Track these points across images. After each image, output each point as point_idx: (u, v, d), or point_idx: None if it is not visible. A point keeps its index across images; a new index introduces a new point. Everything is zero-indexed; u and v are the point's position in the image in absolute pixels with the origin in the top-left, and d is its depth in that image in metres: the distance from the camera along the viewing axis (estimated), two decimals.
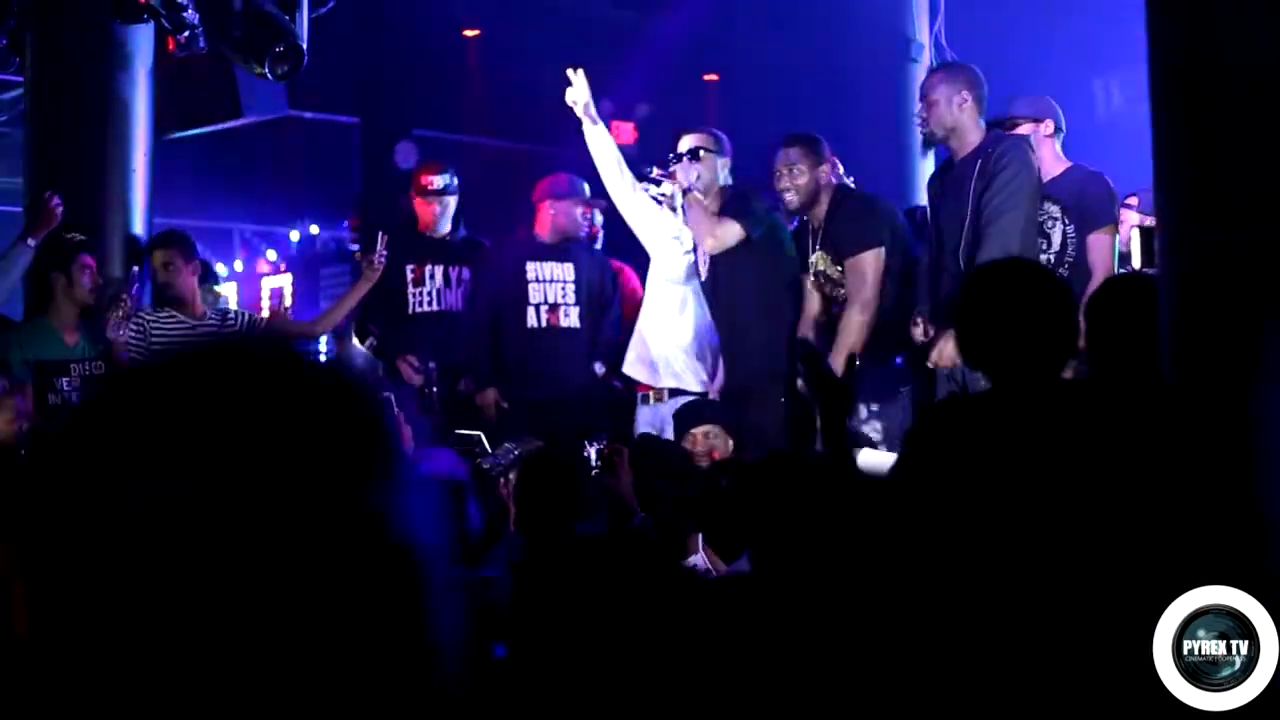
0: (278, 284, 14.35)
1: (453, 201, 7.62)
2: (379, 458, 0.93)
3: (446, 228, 7.60)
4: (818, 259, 6.54)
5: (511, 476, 5.23)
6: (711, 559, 4.49)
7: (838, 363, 5.66)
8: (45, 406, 6.61)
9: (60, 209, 6.67)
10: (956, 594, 2.63)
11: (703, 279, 6.93)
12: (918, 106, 6.13)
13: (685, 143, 6.86)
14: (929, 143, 6.18)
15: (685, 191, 6.75)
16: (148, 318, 6.82)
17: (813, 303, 6.62)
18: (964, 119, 6.01)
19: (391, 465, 0.94)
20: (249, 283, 14.47)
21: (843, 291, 6.48)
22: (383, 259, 7.16)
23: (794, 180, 6.45)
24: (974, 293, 3.47)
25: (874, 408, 6.24)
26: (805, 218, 6.62)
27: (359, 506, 0.90)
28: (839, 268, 6.47)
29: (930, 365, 5.91)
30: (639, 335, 7.06)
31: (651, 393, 7.01)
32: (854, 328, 6.30)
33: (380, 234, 7.26)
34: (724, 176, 6.88)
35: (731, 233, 6.67)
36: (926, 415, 3.95)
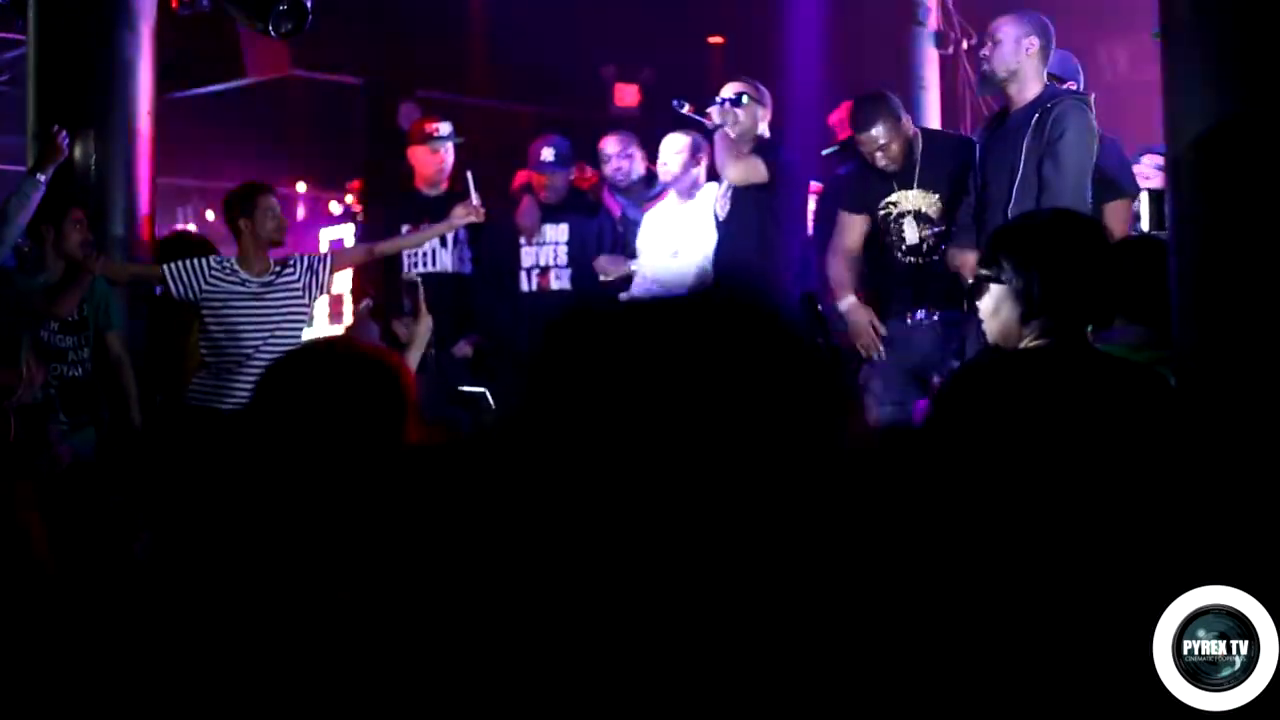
0: None
1: (453, 151, 7.57)
2: None
3: (445, 181, 7.54)
4: (914, 197, 6.33)
5: None
6: None
7: None
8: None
9: (67, 143, 6.67)
10: (958, 578, 2.62)
11: (721, 218, 6.95)
12: (985, 47, 5.94)
13: (729, 89, 6.87)
14: (987, 83, 5.96)
15: (717, 127, 6.76)
16: (210, 265, 6.80)
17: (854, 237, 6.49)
18: (1027, 66, 5.82)
19: None
20: None
21: (933, 231, 6.31)
22: (481, 205, 7.11)
23: (888, 154, 6.28)
24: (1013, 239, 3.44)
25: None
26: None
27: None
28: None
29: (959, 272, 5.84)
30: None
31: None
32: None
33: (469, 175, 7.17)
34: (762, 128, 6.89)
35: (754, 169, 6.70)
36: (959, 375, 3.93)
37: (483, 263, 7.53)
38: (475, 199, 7.08)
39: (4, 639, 2.36)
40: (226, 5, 7.38)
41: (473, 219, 7.11)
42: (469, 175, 7.15)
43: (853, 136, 6.43)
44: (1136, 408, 3.07)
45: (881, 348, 6.31)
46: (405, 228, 7.43)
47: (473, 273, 7.52)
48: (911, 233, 6.32)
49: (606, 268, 7.31)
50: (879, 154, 6.26)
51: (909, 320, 6.30)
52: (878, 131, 6.24)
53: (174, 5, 7.32)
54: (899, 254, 6.36)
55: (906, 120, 6.35)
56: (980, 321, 5.70)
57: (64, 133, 6.66)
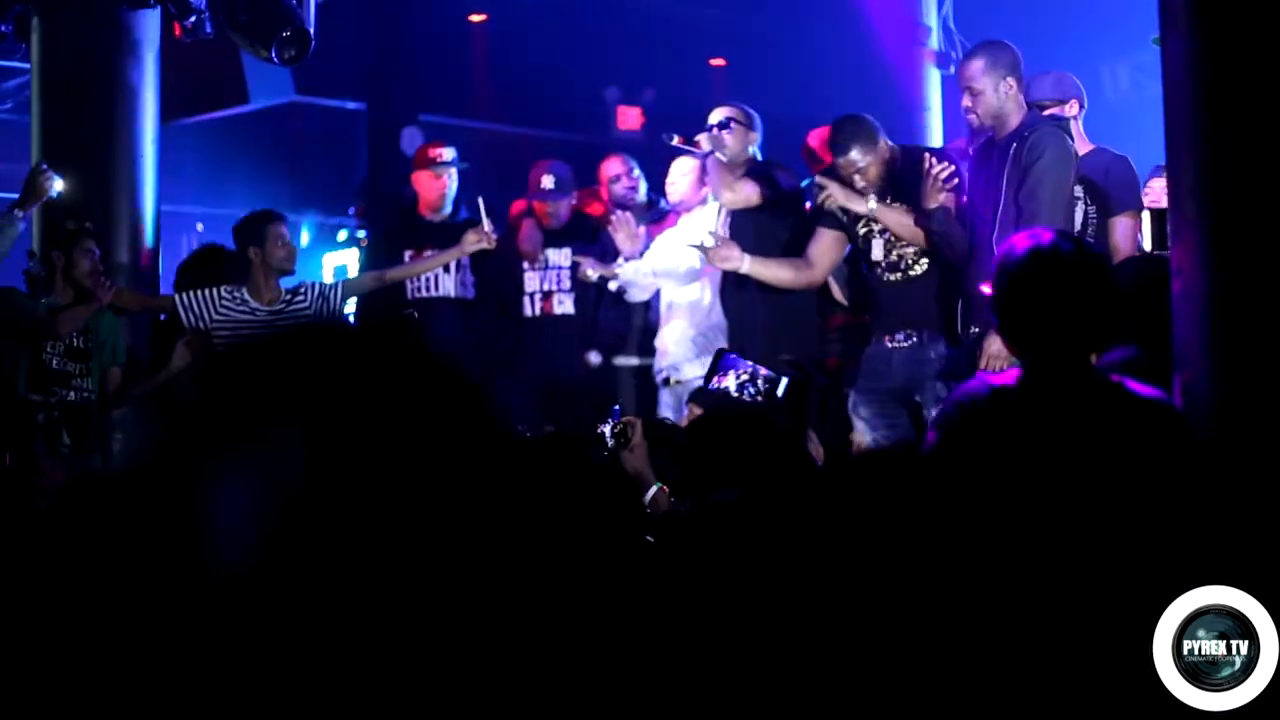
0: None
1: (456, 177, 7.58)
2: None
3: (449, 207, 7.55)
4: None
5: None
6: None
7: None
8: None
9: (51, 183, 6.64)
10: (960, 584, 2.63)
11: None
12: (965, 98, 5.88)
13: (717, 114, 6.89)
14: (978, 132, 5.95)
15: (708, 154, 6.77)
16: (221, 294, 6.82)
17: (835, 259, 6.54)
18: (1009, 104, 5.83)
19: None
20: None
21: (909, 248, 6.27)
22: (493, 232, 7.09)
23: (866, 177, 6.26)
24: (1014, 265, 3.44)
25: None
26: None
27: None
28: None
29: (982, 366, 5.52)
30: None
31: (673, 376, 7.05)
32: None
33: (481, 201, 7.13)
34: (752, 151, 6.92)
35: (749, 191, 6.72)
36: (957, 402, 3.92)
37: (485, 287, 7.53)
38: (487, 225, 7.06)
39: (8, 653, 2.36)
40: (230, 32, 7.39)
41: (484, 245, 7.10)
42: (480, 201, 7.14)
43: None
44: (1134, 425, 3.07)
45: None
46: (408, 253, 7.42)
47: (474, 297, 7.52)
48: (878, 249, 6.33)
49: (588, 269, 7.30)
50: (856, 176, 6.26)
51: (888, 343, 6.28)
52: (855, 155, 6.23)
53: (178, 32, 7.33)
54: (880, 272, 6.37)
55: (884, 142, 6.33)
56: (970, 344, 5.75)
57: (49, 172, 6.63)
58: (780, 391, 3.64)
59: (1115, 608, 2.69)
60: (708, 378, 3.81)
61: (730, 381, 3.76)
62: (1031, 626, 2.62)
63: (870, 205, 6.21)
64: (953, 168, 5.97)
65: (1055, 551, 2.80)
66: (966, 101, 5.89)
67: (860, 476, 2.41)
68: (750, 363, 3.75)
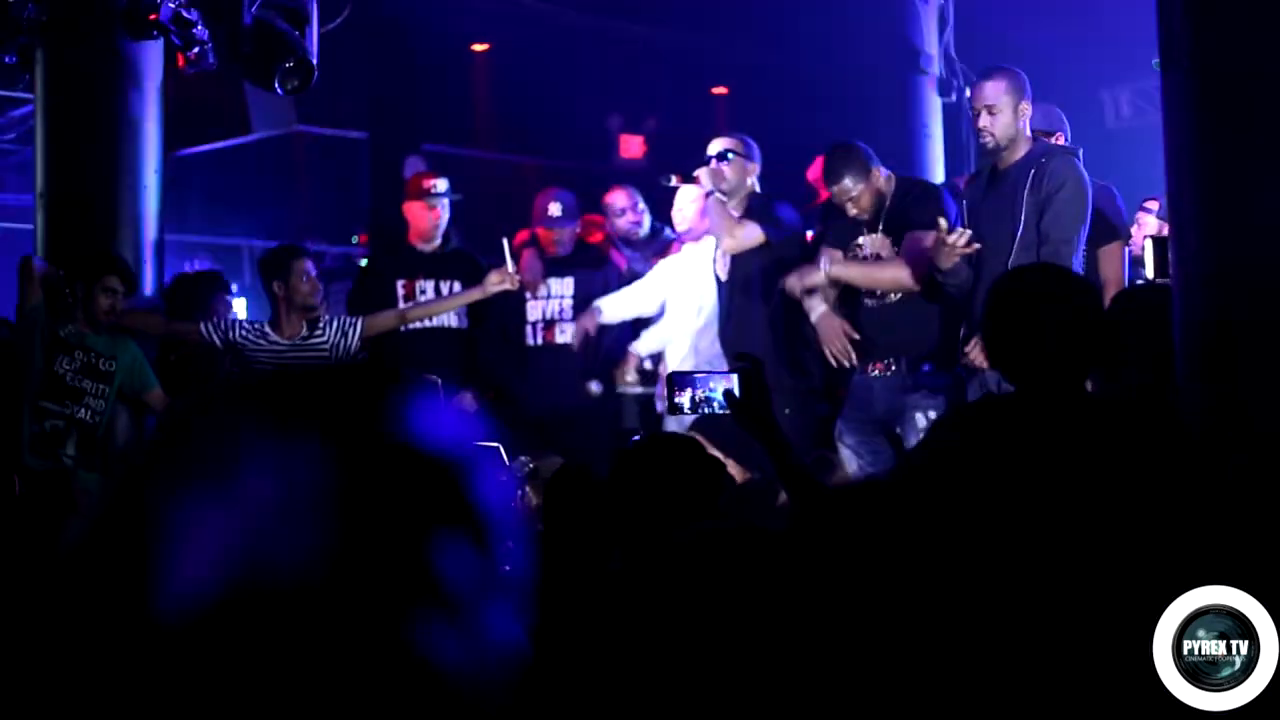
0: None
1: (449, 208, 7.56)
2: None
3: (440, 238, 7.53)
4: (875, 241, 6.34)
5: (527, 489, 5.25)
6: None
7: None
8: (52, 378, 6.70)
9: None
10: (958, 591, 2.63)
11: (723, 279, 6.93)
12: (982, 118, 5.84)
13: (715, 145, 6.84)
14: (990, 153, 5.89)
15: (708, 194, 6.75)
16: (243, 326, 6.86)
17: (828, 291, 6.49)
18: (1023, 129, 5.85)
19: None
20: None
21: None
22: (516, 275, 7.03)
23: (858, 205, 6.29)
24: (1002, 296, 3.46)
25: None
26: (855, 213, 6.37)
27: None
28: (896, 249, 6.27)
29: (974, 365, 5.59)
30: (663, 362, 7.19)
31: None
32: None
33: (505, 242, 7.08)
34: (751, 182, 6.86)
35: (751, 234, 6.67)
36: (952, 416, 3.93)
37: (487, 318, 7.51)
38: (511, 266, 7.00)
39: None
40: (233, 64, 7.42)
41: (507, 286, 7.03)
42: (505, 243, 7.09)
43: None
44: (1130, 431, 3.08)
45: (854, 354, 6.27)
46: (400, 283, 7.42)
47: (469, 326, 7.47)
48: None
49: (592, 388, 7.32)
50: (849, 204, 6.30)
51: (870, 371, 6.28)
52: (848, 183, 6.26)
53: (180, 64, 7.35)
54: (863, 297, 6.37)
55: (877, 170, 6.33)
56: (971, 373, 5.74)
57: None
58: (737, 390, 3.65)
59: (1116, 608, 2.69)
60: (669, 399, 3.81)
61: (685, 399, 3.76)
62: (1033, 628, 2.63)
63: (827, 271, 6.33)
64: (969, 233, 5.77)
65: (1055, 553, 2.80)
66: (983, 122, 5.84)
67: (850, 500, 2.40)
68: (697, 374, 3.75)
